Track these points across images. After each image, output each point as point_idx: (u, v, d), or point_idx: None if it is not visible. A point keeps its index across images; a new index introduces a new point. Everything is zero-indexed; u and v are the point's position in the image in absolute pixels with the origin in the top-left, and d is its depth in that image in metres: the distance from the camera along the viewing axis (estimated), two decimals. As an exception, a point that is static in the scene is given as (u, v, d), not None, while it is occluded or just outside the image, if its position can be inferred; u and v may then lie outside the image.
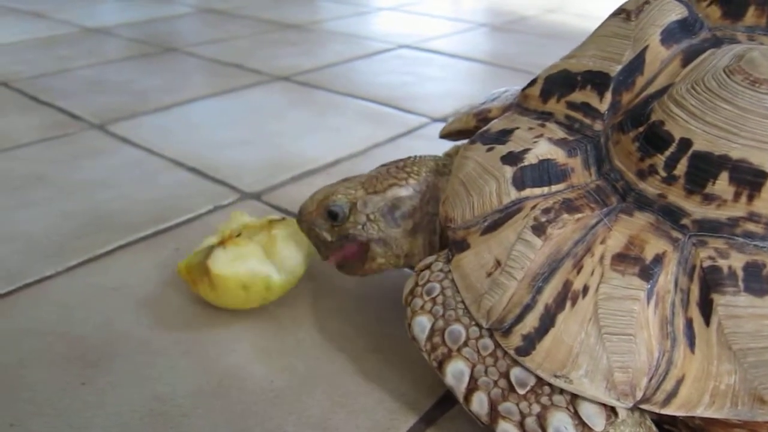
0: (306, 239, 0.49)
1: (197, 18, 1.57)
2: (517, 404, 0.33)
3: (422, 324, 0.37)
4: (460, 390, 0.35)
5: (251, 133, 0.86)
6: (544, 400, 0.33)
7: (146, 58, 1.22)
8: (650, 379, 0.32)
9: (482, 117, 0.45)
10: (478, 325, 0.35)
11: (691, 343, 0.32)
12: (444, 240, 0.45)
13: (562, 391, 0.33)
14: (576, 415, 0.32)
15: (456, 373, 0.35)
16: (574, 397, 0.33)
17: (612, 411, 0.33)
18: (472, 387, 0.34)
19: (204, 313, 0.50)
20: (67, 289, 0.53)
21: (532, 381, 0.33)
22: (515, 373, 0.34)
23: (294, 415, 0.41)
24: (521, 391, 0.33)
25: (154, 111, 0.94)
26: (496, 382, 0.34)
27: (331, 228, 0.45)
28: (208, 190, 0.70)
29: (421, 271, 0.39)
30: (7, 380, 0.44)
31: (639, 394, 0.32)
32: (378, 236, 0.44)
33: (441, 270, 0.38)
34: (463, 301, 0.36)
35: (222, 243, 0.48)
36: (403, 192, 0.44)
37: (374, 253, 0.45)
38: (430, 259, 0.40)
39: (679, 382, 0.32)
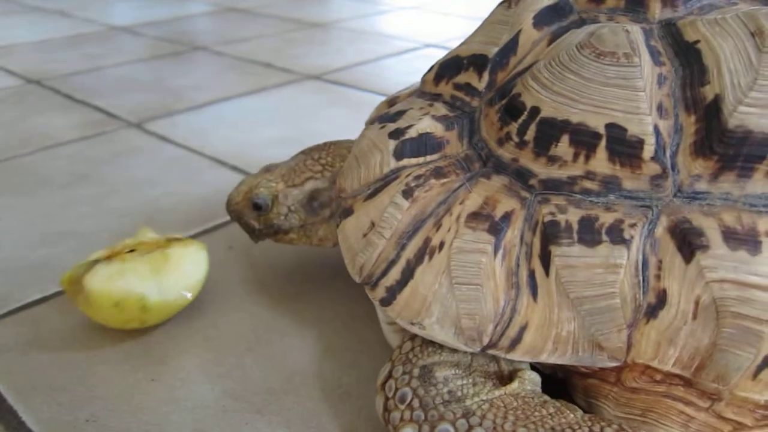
0: (203, 259, 0.50)
1: (220, 17, 1.58)
2: None
3: None
4: None
5: (289, 131, 0.87)
6: None
7: (175, 56, 1.24)
8: (496, 326, 0.35)
9: (392, 103, 0.49)
10: (464, 416, 0.34)
11: (534, 293, 0.34)
12: None
13: None
14: None
15: None
16: None
17: None
18: None
19: (265, 312, 0.51)
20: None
21: None
22: None
23: (365, 410, 0.42)
24: None
25: (189, 109, 0.95)
26: None
27: (257, 217, 0.50)
28: None
29: (385, 382, 0.38)
30: (80, 376, 0.45)
31: (486, 340, 0.35)
32: (299, 224, 0.49)
33: (404, 373, 0.37)
34: (439, 394, 0.35)
35: (108, 257, 0.47)
36: (320, 184, 0.49)
37: (290, 238, 0.50)
38: (386, 368, 0.38)
39: (523, 328, 0.34)
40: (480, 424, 0.34)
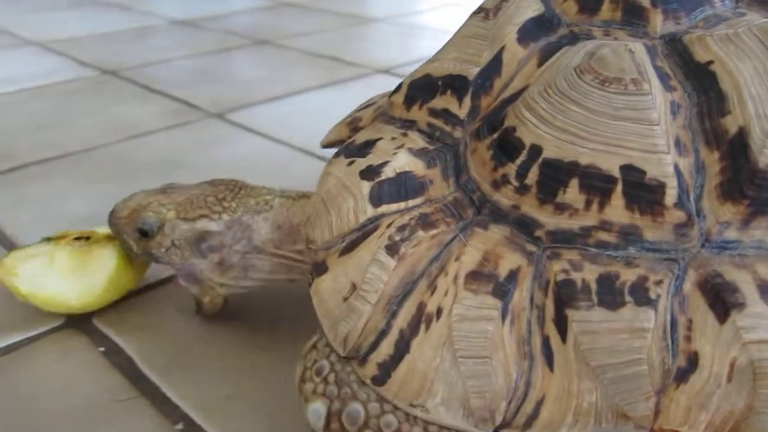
0: (111, 263, 0.48)
1: (278, 11, 1.58)
2: None
3: (317, 411, 0.33)
4: None
5: None
6: None
7: (242, 49, 1.24)
8: (509, 403, 0.30)
9: (354, 126, 0.43)
10: (378, 400, 0.32)
11: (550, 362, 0.30)
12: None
13: None
14: None
15: None
16: None
17: None
18: None
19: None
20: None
21: None
22: None
23: None
24: None
25: (267, 101, 0.95)
26: None
27: (137, 240, 0.45)
28: None
29: (308, 353, 0.36)
30: (216, 354, 0.46)
31: (498, 419, 0.30)
32: (179, 263, 0.44)
33: (327, 345, 0.35)
34: (355, 371, 0.33)
35: (55, 239, 0.48)
36: (213, 226, 0.43)
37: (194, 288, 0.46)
38: (313, 338, 0.36)
39: (540, 403, 0.30)
40: (392, 411, 0.33)
